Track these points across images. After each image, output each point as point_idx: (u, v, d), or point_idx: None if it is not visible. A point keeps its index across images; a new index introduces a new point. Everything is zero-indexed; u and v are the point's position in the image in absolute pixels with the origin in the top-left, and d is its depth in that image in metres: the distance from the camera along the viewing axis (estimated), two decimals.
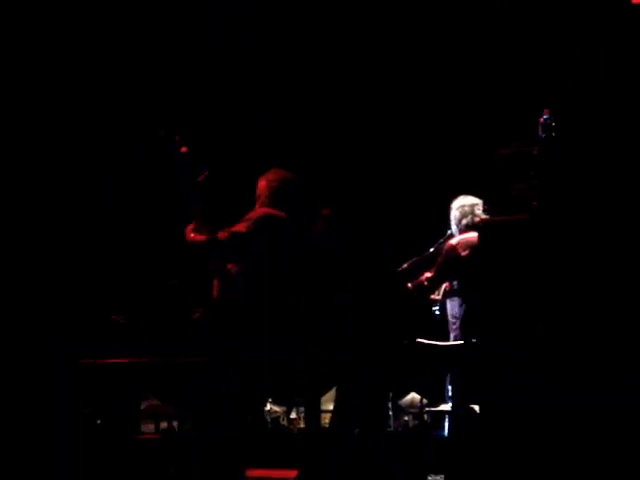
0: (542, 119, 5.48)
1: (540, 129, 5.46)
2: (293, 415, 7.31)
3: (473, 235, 6.05)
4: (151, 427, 6.63)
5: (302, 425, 7.22)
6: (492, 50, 7.34)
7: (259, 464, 5.29)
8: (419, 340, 6.25)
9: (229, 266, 5.82)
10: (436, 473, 5.88)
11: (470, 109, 7.41)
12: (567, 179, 5.45)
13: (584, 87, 6.66)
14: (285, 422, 7.30)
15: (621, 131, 5.99)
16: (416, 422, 6.77)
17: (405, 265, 6.59)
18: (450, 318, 6.53)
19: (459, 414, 6.02)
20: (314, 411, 6.39)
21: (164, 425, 6.60)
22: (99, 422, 6.32)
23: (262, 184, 5.99)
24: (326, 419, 7.03)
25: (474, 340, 6.03)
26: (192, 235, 5.72)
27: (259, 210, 5.87)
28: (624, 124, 6.04)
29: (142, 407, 6.61)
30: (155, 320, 6.84)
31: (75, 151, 7.70)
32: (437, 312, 6.68)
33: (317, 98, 8.02)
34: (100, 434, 6.21)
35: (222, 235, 5.70)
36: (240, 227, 5.71)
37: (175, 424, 6.60)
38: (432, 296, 6.69)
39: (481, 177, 5.69)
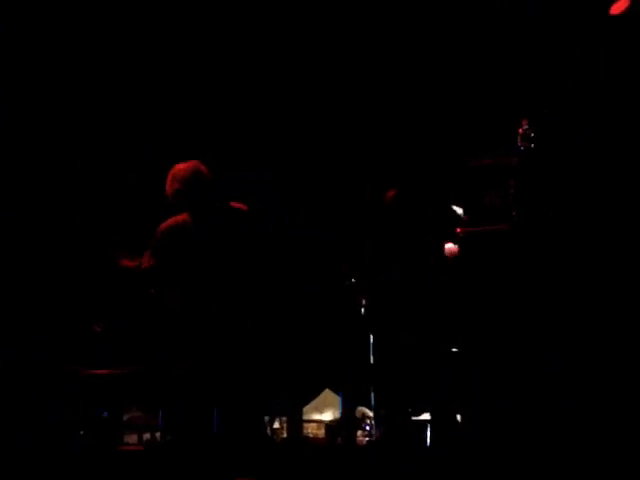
0: (521, 130, 5.53)
1: (519, 140, 5.52)
2: (276, 425, 7.33)
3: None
4: (134, 438, 6.64)
5: (285, 435, 7.24)
6: (472, 62, 7.38)
7: (243, 474, 5.30)
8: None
9: None
10: None
11: (450, 120, 7.44)
12: (546, 189, 5.50)
13: (563, 98, 6.71)
14: (268, 432, 7.31)
15: (599, 142, 6.05)
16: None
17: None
18: None
19: (441, 423, 6.05)
20: (296, 421, 6.42)
21: (147, 436, 6.61)
22: (82, 433, 6.34)
23: (167, 183, 5.70)
24: (309, 429, 7.06)
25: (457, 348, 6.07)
26: (125, 262, 5.65)
27: (159, 228, 5.62)
28: (602, 135, 6.10)
29: (125, 418, 6.62)
30: (135, 330, 6.86)
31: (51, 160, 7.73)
32: None
33: (298, 104, 8.03)
34: (83, 445, 6.23)
35: (143, 262, 5.62)
36: (145, 261, 5.56)
37: (158, 435, 6.61)
38: None
39: (461, 187, 5.73)
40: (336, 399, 7.30)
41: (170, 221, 5.64)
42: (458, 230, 5.68)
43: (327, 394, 7.36)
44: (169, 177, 5.69)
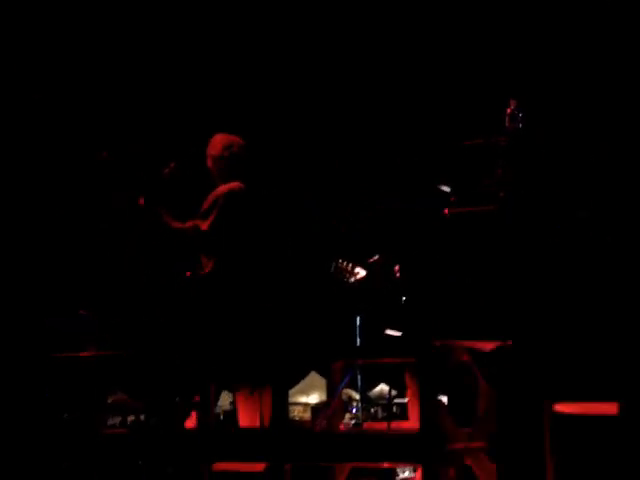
0: (509, 110, 5.51)
1: (507, 120, 5.49)
2: None
3: None
4: (118, 421, 6.62)
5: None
6: (460, 42, 7.37)
7: (227, 457, 5.28)
8: (388, 331, 6.28)
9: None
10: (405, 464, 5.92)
11: (438, 101, 7.43)
12: (534, 170, 5.49)
13: (550, 79, 6.71)
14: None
15: (586, 123, 6.04)
16: (385, 413, 6.81)
17: (376, 257, 6.61)
18: None
19: (427, 405, 6.04)
20: (282, 403, 6.39)
21: (131, 419, 6.59)
22: (66, 416, 6.31)
23: (211, 153, 5.82)
24: (295, 411, 7.05)
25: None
26: (176, 224, 5.61)
27: (218, 192, 5.70)
28: (589, 116, 6.09)
29: (109, 401, 6.60)
30: (122, 314, 6.82)
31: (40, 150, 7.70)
32: None
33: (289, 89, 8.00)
34: (67, 428, 6.20)
35: (200, 224, 5.61)
36: (202, 224, 5.60)
37: (142, 418, 6.59)
38: None
39: (449, 168, 5.71)
40: (322, 382, 7.30)
41: (227, 187, 5.67)
42: (446, 211, 5.68)
43: (313, 377, 7.36)
44: (217, 143, 5.77)
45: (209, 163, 5.84)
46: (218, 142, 5.79)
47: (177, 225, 5.61)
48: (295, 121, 7.88)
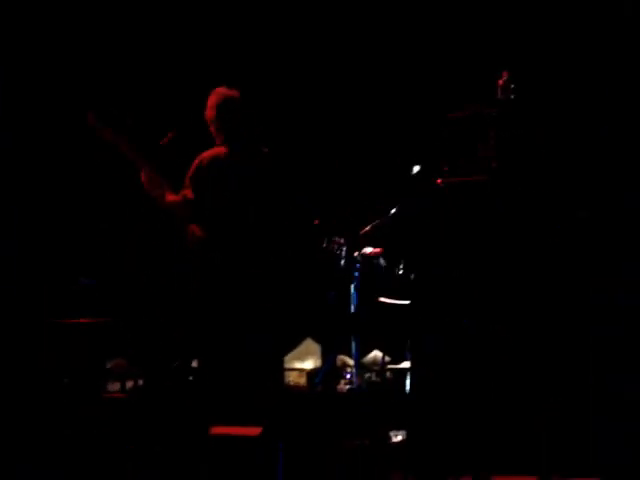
0: (501, 81, 5.56)
1: (499, 91, 5.54)
2: None
3: None
4: (117, 386, 6.69)
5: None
6: (451, 12, 7.36)
7: (223, 421, 5.36)
8: (381, 299, 6.36)
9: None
10: (398, 429, 6.01)
11: (429, 72, 7.41)
12: (525, 140, 5.55)
13: (543, 50, 6.73)
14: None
15: (578, 94, 6.09)
16: (378, 379, 6.89)
17: (367, 228, 6.65)
18: None
19: (419, 371, 6.14)
20: (278, 369, 6.48)
21: (130, 384, 6.66)
22: (66, 381, 6.38)
23: (209, 106, 5.70)
24: (290, 377, 7.13)
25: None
26: (170, 197, 5.57)
27: (199, 158, 5.64)
28: (581, 87, 6.14)
29: (108, 366, 6.68)
30: (120, 280, 6.90)
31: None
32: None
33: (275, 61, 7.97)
34: (67, 393, 6.27)
35: (187, 193, 5.59)
36: (188, 192, 5.59)
37: (141, 383, 6.66)
38: None
39: (441, 139, 5.75)
40: (317, 348, 7.38)
41: (211, 152, 5.62)
42: (439, 181, 5.74)
43: (308, 343, 7.43)
44: (214, 100, 5.65)
45: (206, 114, 5.73)
46: (214, 95, 5.70)
47: (171, 199, 5.57)
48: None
